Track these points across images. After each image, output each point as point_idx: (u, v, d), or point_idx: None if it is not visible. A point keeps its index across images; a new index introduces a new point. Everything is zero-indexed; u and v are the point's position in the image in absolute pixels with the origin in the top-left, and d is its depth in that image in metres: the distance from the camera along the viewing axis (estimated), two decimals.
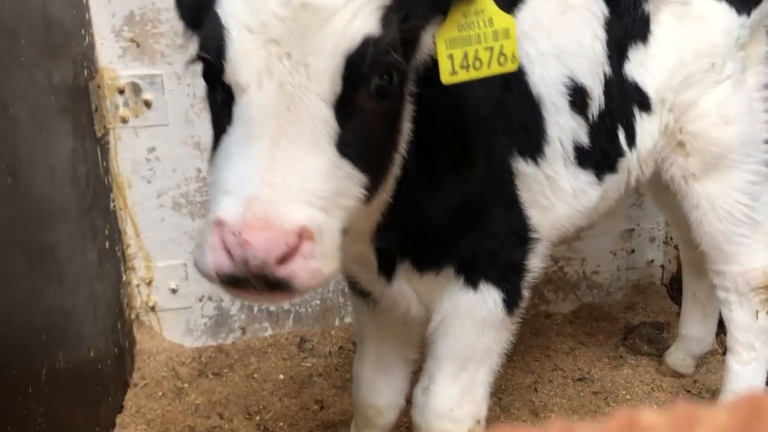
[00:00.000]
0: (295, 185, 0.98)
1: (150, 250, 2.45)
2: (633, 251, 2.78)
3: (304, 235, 0.96)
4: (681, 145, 1.68)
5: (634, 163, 1.67)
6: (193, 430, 2.21)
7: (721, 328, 2.38)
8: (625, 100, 1.61)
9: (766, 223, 1.78)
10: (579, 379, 2.43)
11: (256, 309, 2.60)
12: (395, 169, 1.21)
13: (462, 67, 1.17)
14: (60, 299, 1.77)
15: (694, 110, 1.65)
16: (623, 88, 1.60)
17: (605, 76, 1.56)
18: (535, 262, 1.50)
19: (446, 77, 1.17)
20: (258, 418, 2.30)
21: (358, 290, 1.60)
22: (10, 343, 1.43)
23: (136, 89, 2.31)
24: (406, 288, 1.42)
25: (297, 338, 2.62)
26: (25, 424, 1.48)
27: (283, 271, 0.95)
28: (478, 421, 1.51)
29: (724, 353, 2.36)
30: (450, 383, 1.48)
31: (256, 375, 2.49)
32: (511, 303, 1.46)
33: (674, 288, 2.76)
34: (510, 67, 1.18)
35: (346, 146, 1.04)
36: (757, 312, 1.84)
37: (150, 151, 2.37)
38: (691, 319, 2.26)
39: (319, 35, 1.01)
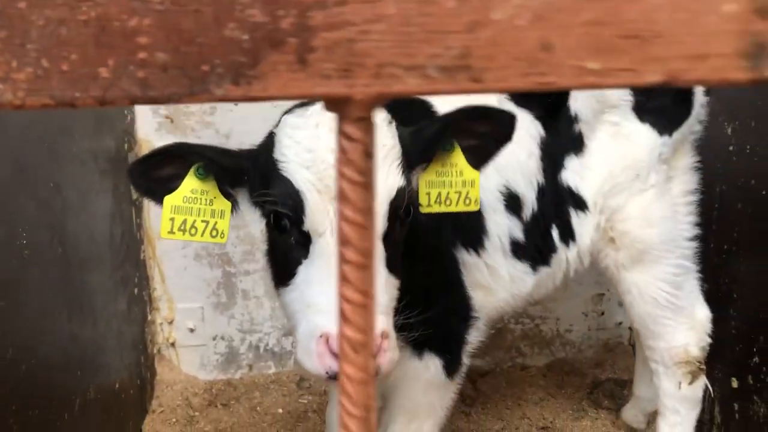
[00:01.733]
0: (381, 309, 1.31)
1: (173, 294, 2.83)
2: (603, 313, 3.07)
3: (383, 335, 1.29)
4: (612, 240, 1.99)
5: (572, 256, 1.99)
6: None
7: None
8: (560, 203, 1.93)
9: (688, 307, 2.08)
10: (542, 428, 2.72)
11: (262, 349, 2.96)
12: None
13: (435, 202, 1.53)
14: (93, 340, 2.14)
15: (622, 213, 1.96)
16: (558, 193, 1.93)
17: (538, 185, 1.89)
18: (475, 335, 1.82)
19: (423, 208, 1.52)
20: None
21: None
22: (51, 380, 1.80)
23: None
24: None
25: (296, 377, 2.96)
26: None
27: (379, 365, 1.29)
28: None
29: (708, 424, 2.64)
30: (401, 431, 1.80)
31: (258, 408, 2.84)
32: (451, 369, 1.78)
33: None
34: (473, 208, 1.53)
35: (390, 263, 1.40)
36: (680, 383, 2.13)
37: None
38: (642, 381, 2.54)
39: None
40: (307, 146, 1.39)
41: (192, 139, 2.71)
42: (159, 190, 1.46)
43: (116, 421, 2.36)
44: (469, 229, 1.79)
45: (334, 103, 0.45)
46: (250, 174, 1.50)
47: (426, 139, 1.49)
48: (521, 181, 1.86)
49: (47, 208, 1.82)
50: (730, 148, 2.22)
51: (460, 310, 1.78)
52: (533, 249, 1.90)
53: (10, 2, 0.43)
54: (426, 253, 1.71)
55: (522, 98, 1.86)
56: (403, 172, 1.41)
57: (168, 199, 1.46)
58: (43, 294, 1.76)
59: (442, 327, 1.76)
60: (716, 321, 2.18)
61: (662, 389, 2.17)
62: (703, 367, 2.14)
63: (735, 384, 2.27)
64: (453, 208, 1.51)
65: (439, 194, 1.51)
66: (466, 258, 1.79)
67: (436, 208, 1.52)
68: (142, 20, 0.42)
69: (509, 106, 1.82)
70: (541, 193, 1.90)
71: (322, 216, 1.35)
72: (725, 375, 2.32)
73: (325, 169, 1.35)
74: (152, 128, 2.66)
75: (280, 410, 2.82)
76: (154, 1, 0.42)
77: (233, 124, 2.68)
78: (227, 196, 1.50)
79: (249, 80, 0.44)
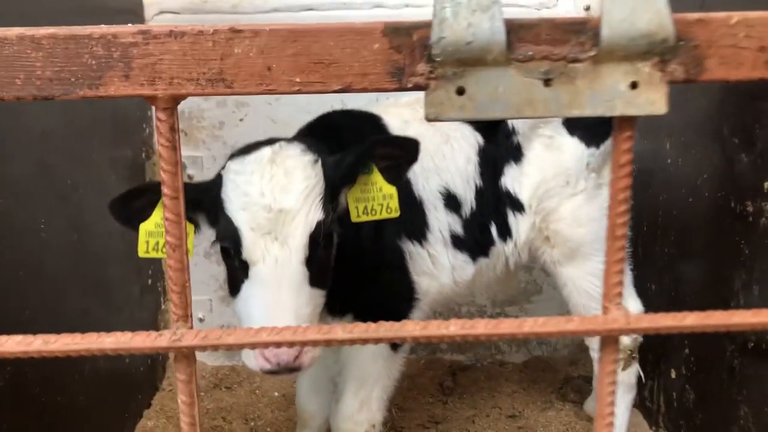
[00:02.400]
0: (294, 314, 1.61)
1: None
2: None
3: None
4: (547, 239, 2.26)
5: (510, 249, 2.26)
6: (201, 427, 2.90)
7: None
8: (498, 204, 2.22)
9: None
10: (510, 416, 2.97)
11: None
12: None
13: (363, 214, 1.83)
14: (104, 319, 2.51)
15: (555, 214, 2.23)
16: (498, 196, 2.22)
17: (476, 187, 2.19)
18: (417, 315, 2.12)
19: (353, 219, 1.84)
20: (252, 423, 2.96)
21: None
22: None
23: (182, 166, 3.07)
24: (324, 323, 2.07)
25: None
26: (73, 398, 2.20)
27: (297, 363, 1.59)
28: (373, 426, 2.13)
29: (640, 406, 2.87)
30: (352, 397, 2.11)
31: (257, 391, 3.17)
32: (395, 343, 2.08)
33: None
34: (394, 215, 1.83)
35: (314, 280, 1.69)
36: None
37: None
38: None
39: (291, 225, 1.66)
40: (244, 191, 1.69)
41: (203, 151, 3.09)
42: (135, 219, 1.77)
43: (126, 391, 2.72)
44: (413, 223, 2.10)
45: (148, 99, 0.78)
46: (206, 203, 1.82)
47: (349, 164, 1.80)
48: (459, 183, 2.16)
49: (65, 202, 2.20)
50: (668, 160, 2.48)
51: (404, 291, 2.09)
52: (472, 242, 2.19)
53: None
54: (372, 244, 2.03)
55: None
56: (324, 204, 1.71)
57: (143, 226, 1.77)
58: (59, 270, 2.13)
59: (387, 305, 2.07)
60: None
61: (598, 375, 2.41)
62: (636, 355, 2.39)
63: (673, 374, 2.50)
64: (378, 217, 1.82)
65: (365, 207, 1.82)
66: (411, 248, 2.10)
67: (364, 218, 1.83)
68: (37, 54, 0.76)
69: None
70: (480, 194, 2.19)
71: (255, 249, 1.65)
72: (666, 367, 2.56)
73: (257, 211, 1.65)
74: None
75: (276, 393, 3.14)
76: (44, 42, 0.76)
77: (239, 138, 3.04)
78: (189, 220, 1.83)
79: (98, 87, 0.77)
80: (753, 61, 0.81)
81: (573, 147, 2.23)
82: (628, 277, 2.37)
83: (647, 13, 0.77)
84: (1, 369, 1.79)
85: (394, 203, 1.80)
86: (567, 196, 2.22)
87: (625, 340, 2.35)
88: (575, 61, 0.79)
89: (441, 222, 2.14)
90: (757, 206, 1.90)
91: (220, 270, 3.18)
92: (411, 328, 0.77)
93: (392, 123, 2.11)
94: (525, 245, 2.28)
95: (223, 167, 1.81)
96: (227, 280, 1.83)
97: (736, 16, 0.80)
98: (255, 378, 3.23)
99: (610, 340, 0.78)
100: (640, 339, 2.39)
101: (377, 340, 0.78)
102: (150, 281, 2.98)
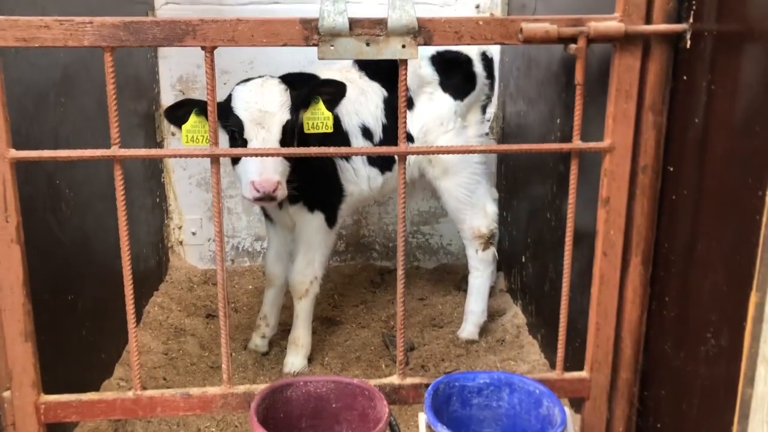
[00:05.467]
0: (272, 169, 2.73)
1: (182, 208, 4.30)
2: None
3: (279, 182, 2.73)
4: (429, 161, 3.38)
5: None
6: (195, 305, 4.01)
7: (501, 270, 4.07)
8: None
9: (480, 204, 3.47)
10: (419, 299, 4.12)
11: (240, 249, 4.42)
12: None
13: (312, 128, 2.94)
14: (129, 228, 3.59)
15: (434, 145, 3.37)
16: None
17: (382, 124, 3.31)
18: (345, 206, 3.26)
19: (305, 131, 2.94)
20: (232, 305, 4.08)
21: (267, 217, 3.40)
22: (90, 236, 3.26)
23: None
24: (284, 210, 3.20)
25: (262, 268, 4.40)
26: (84, 281, 3.29)
27: (273, 194, 2.72)
28: (316, 277, 3.26)
29: (507, 291, 4.05)
30: (302, 258, 3.24)
31: (236, 285, 4.28)
32: (330, 221, 3.22)
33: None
34: (329, 131, 2.93)
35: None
36: (477, 250, 3.54)
37: None
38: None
39: (272, 120, 2.81)
40: (246, 99, 2.85)
41: None
42: (179, 121, 2.86)
43: (139, 280, 3.80)
44: (342, 146, 3.23)
45: (202, 48, 1.91)
46: (221, 110, 2.93)
47: (304, 94, 2.92)
48: (371, 121, 3.28)
49: (103, 138, 3.28)
50: (521, 113, 3.65)
51: (336, 189, 3.23)
52: (380, 161, 3.32)
53: None
54: (317, 160, 3.16)
55: (374, 74, 3.31)
56: (290, 112, 2.85)
57: (184, 126, 2.88)
58: (93, 187, 3.21)
59: (324, 197, 3.21)
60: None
61: (468, 255, 3.58)
62: (492, 241, 3.55)
63: (523, 260, 3.67)
64: (320, 131, 2.94)
65: (313, 123, 2.95)
66: (341, 163, 3.23)
67: (313, 131, 2.95)
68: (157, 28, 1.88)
69: (365, 78, 3.28)
70: (385, 129, 3.31)
71: (250, 131, 2.81)
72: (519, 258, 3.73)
73: (253, 110, 2.80)
74: (171, 97, 4.14)
75: (251, 287, 4.27)
76: (161, 23, 1.88)
77: (222, 96, 4.14)
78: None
79: (181, 40, 1.90)
80: (451, 38, 1.93)
81: (445, 100, 3.36)
82: (484, 189, 3.52)
83: (405, 15, 1.89)
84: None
85: (330, 122, 2.94)
86: (441, 132, 3.35)
87: (484, 230, 3.50)
88: (378, 35, 1.91)
89: (360, 146, 3.27)
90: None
91: (207, 196, 4.30)
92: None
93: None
94: (415, 164, 3.40)
95: (233, 90, 2.94)
96: (232, 160, 2.91)
97: (445, 17, 1.94)
98: (234, 277, 4.34)
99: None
100: (495, 229, 3.55)
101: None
102: (158, 200, 4.08)
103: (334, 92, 2.94)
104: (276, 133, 2.82)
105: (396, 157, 3.36)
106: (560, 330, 2.20)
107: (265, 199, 2.76)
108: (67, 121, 2.67)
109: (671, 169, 2.02)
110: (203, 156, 1.99)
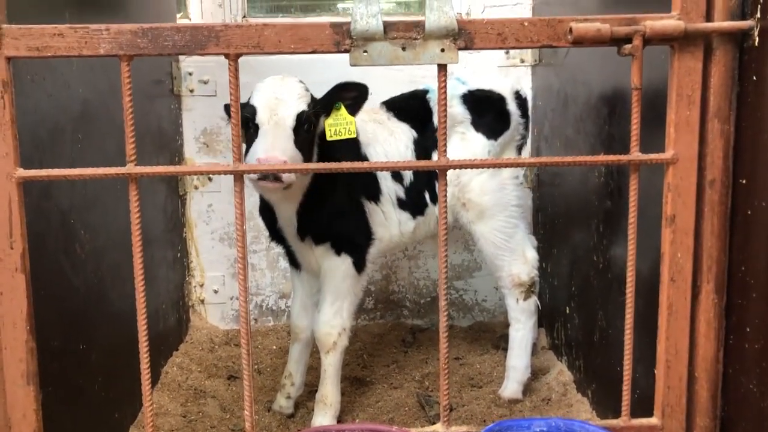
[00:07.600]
0: (282, 150, 2.58)
1: (204, 265, 4.13)
2: None
3: (285, 162, 2.54)
4: (464, 205, 3.20)
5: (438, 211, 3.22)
6: (216, 366, 3.78)
7: (542, 326, 3.81)
8: (430, 178, 3.17)
9: (519, 249, 3.26)
10: (455, 358, 3.86)
11: (264, 307, 4.21)
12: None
13: (334, 134, 2.82)
14: (147, 288, 3.42)
15: (468, 187, 3.15)
16: (428, 172, 3.17)
17: None
18: (374, 250, 3.06)
19: (328, 138, 2.82)
20: (255, 366, 3.84)
21: (293, 263, 3.20)
22: (107, 289, 3.08)
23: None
24: (310, 251, 3.01)
25: (287, 327, 4.18)
26: (98, 331, 3.09)
27: (280, 174, 2.54)
28: (344, 329, 3.01)
29: (549, 348, 3.77)
30: (329, 307, 3.01)
31: (259, 346, 4.05)
32: (358, 266, 3.01)
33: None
34: (353, 136, 2.84)
35: (297, 144, 2.66)
36: (518, 299, 3.30)
37: (209, 206, 4.10)
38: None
39: (288, 109, 2.69)
40: (263, 90, 2.74)
41: (220, 159, 4.07)
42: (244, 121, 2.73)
43: (157, 339, 3.59)
44: (370, 189, 3.06)
45: (225, 55, 1.77)
46: (244, 109, 2.76)
47: (325, 99, 2.83)
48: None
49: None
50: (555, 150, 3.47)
51: (365, 232, 3.03)
52: (412, 204, 3.14)
53: None
54: (344, 200, 2.98)
55: (403, 115, 3.17)
56: (307, 105, 2.73)
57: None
58: (110, 234, 3.05)
59: (354, 241, 3.01)
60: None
61: (508, 306, 3.34)
62: (534, 289, 3.31)
63: (568, 311, 3.42)
64: (343, 137, 2.82)
65: (335, 129, 2.82)
66: (370, 206, 3.05)
67: (336, 137, 2.82)
68: (179, 34, 1.75)
69: (394, 120, 3.15)
70: (416, 171, 3.16)
71: (263, 116, 2.67)
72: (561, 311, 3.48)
73: (268, 98, 2.69)
74: (194, 150, 4.04)
75: (275, 347, 4.03)
76: (182, 28, 1.75)
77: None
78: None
79: (204, 47, 1.76)
80: (494, 41, 1.78)
81: (479, 139, 3.20)
82: (523, 233, 3.31)
83: (444, 17, 1.75)
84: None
85: (353, 127, 2.81)
86: (476, 173, 3.19)
87: (525, 278, 3.27)
88: (415, 39, 1.76)
89: (390, 189, 3.09)
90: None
91: (230, 252, 4.13)
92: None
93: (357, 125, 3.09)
94: (450, 209, 3.23)
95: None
96: (245, 142, 2.74)
97: (486, 19, 1.79)
98: (257, 337, 4.12)
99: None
100: (536, 276, 3.32)
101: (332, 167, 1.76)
102: (179, 255, 3.91)
103: (356, 96, 2.83)
104: (290, 119, 2.69)
105: (427, 197, 3.24)
106: (625, 370, 1.95)
107: (269, 178, 2.56)
108: (84, 159, 2.53)
109: (743, 181, 1.81)
110: (225, 173, 1.82)
